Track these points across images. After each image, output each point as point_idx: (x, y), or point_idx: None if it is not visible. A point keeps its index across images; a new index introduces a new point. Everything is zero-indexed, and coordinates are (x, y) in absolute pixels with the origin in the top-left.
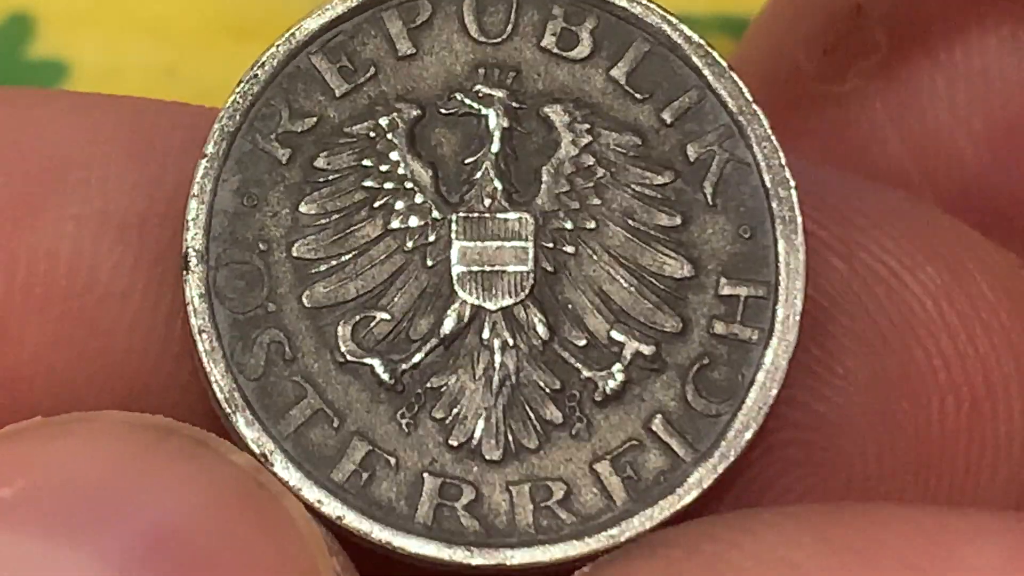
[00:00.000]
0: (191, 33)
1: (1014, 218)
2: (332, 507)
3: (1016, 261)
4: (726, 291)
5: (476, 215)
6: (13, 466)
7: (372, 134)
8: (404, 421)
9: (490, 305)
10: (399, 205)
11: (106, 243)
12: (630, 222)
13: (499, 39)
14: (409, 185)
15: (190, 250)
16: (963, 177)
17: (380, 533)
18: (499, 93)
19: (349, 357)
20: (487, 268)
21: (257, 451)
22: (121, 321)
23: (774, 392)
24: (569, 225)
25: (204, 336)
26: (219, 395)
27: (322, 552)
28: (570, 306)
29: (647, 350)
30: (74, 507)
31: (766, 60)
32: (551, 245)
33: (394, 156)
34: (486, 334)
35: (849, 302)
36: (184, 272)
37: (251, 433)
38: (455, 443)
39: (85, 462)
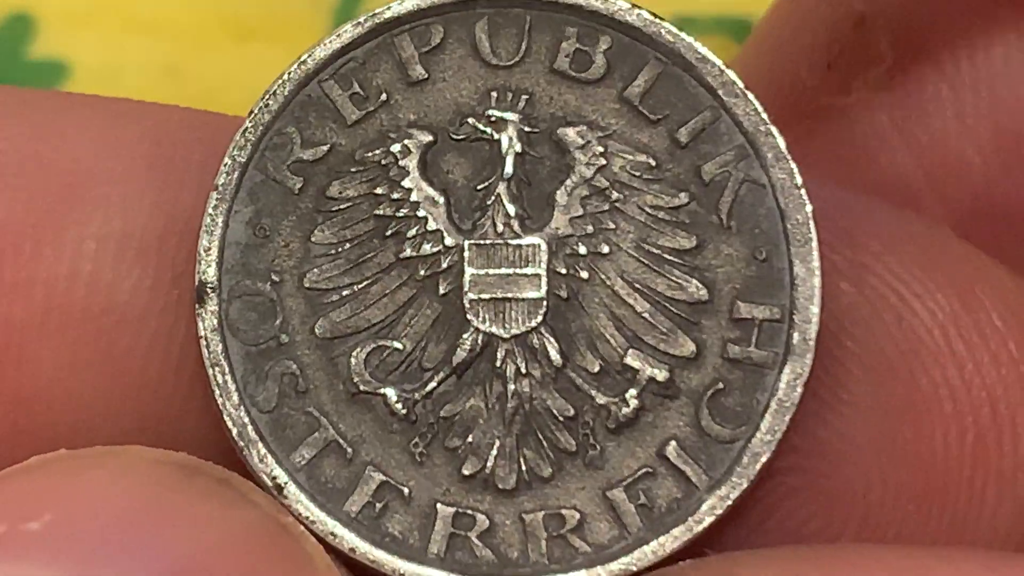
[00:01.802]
0: (191, 33)
1: (1022, 228)
2: (345, 539)
3: None
4: (741, 314)
5: (488, 242)
6: (40, 499)
7: (384, 161)
8: (417, 451)
9: (503, 333)
10: (411, 232)
11: (125, 265)
12: (644, 246)
13: (511, 62)
14: (421, 212)
15: (203, 283)
16: (971, 187)
17: (393, 565)
18: (511, 117)
19: (362, 387)
20: (499, 295)
21: (270, 484)
22: (138, 344)
23: (788, 417)
24: (583, 250)
25: (217, 371)
26: (232, 429)
27: None
28: (583, 332)
29: (661, 376)
30: (100, 541)
31: (768, 74)
32: (564, 271)
33: (406, 183)
34: (499, 362)
35: (856, 328)
36: (197, 306)
37: (264, 466)
38: (468, 472)
39: (112, 496)
